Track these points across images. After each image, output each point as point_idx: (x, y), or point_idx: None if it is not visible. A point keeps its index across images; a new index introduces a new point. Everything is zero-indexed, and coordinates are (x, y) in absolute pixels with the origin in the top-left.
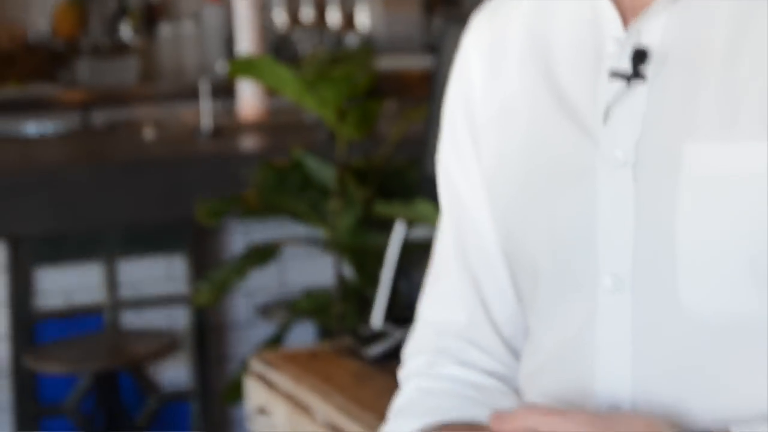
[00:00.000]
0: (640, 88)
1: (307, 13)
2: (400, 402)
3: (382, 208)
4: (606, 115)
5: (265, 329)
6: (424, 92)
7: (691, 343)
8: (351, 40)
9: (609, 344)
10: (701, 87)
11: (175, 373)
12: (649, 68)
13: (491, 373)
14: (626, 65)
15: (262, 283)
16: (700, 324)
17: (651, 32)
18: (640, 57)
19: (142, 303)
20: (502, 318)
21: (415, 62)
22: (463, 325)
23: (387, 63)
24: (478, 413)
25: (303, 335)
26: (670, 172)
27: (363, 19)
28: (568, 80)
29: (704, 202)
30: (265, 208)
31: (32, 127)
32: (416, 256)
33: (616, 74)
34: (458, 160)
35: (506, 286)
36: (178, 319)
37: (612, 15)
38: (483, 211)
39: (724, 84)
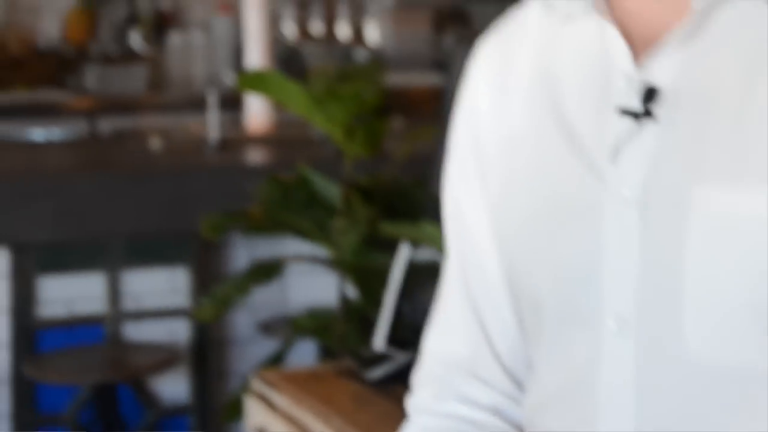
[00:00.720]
0: (649, 127)
1: (316, 27)
2: None
3: (387, 229)
4: (614, 153)
5: (266, 345)
6: (431, 109)
7: (695, 389)
8: (360, 55)
9: (612, 385)
10: (712, 129)
11: (174, 387)
12: (659, 107)
13: (493, 409)
14: (636, 102)
15: (264, 299)
16: (704, 370)
17: (663, 70)
18: (651, 96)
19: (143, 315)
20: (503, 349)
21: (424, 79)
22: (466, 356)
23: (395, 79)
24: None
25: (305, 353)
26: (678, 214)
27: (372, 33)
28: (575, 113)
29: (712, 246)
30: (270, 225)
31: (39, 133)
32: (421, 278)
33: (625, 112)
34: (466, 190)
35: (508, 317)
36: (179, 332)
37: (622, 48)
38: (488, 242)
39: (735, 127)
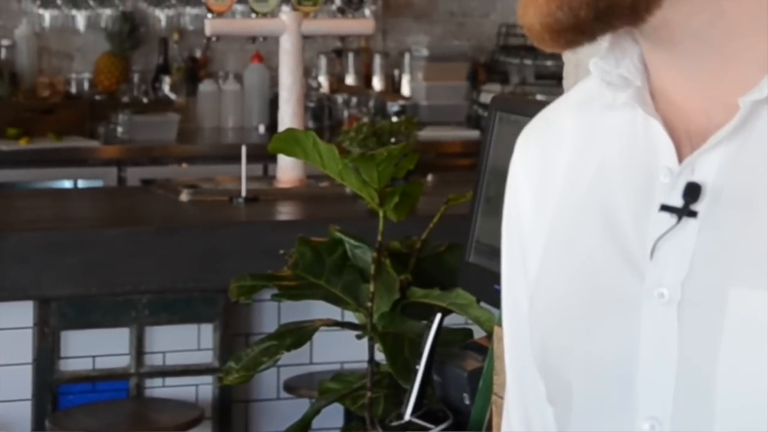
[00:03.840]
0: (690, 225)
1: (351, 78)
2: None
3: (418, 296)
4: (653, 250)
5: (291, 405)
6: (464, 164)
7: None
8: (393, 107)
9: None
10: (752, 229)
11: None
12: (701, 205)
13: None
14: (678, 199)
15: (291, 359)
16: None
17: (706, 167)
18: (692, 193)
19: (167, 372)
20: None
21: (457, 134)
22: None
23: (428, 133)
24: None
25: (331, 414)
26: (714, 316)
27: (406, 86)
28: (618, 206)
29: (746, 352)
30: (301, 288)
31: (68, 182)
32: (452, 348)
33: (666, 208)
34: (510, 278)
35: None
36: (204, 389)
37: (666, 144)
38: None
39: None
